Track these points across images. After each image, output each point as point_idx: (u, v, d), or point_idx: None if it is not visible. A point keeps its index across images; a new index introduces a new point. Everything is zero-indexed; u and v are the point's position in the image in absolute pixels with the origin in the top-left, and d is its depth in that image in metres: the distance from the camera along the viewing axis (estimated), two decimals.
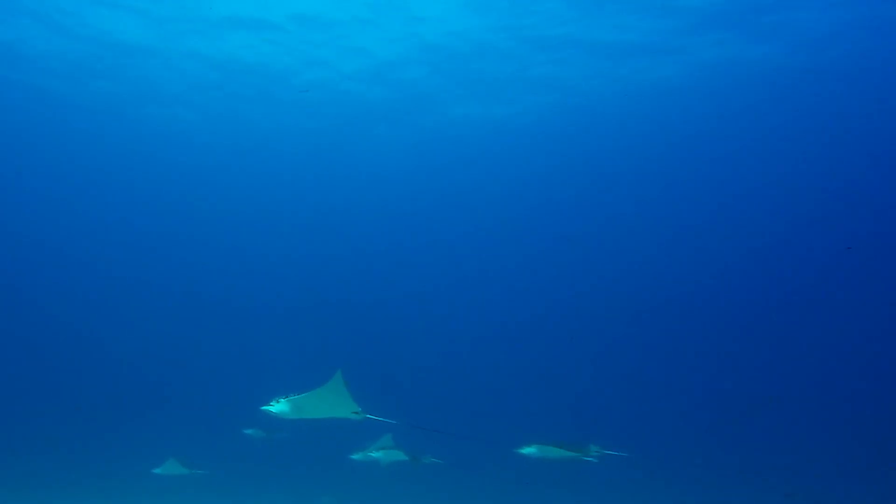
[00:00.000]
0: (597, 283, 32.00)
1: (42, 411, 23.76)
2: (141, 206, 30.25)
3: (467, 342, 31.39)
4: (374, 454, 11.47)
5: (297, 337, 29.62)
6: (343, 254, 32.22)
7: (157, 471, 15.61)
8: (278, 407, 6.91)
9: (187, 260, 32.13)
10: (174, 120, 24.95)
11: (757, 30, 18.85)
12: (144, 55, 20.67)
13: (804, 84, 21.41)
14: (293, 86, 22.60)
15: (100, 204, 30.31)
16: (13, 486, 17.11)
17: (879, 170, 25.74)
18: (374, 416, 7.78)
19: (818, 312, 29.92)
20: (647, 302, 31.61)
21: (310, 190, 30.12)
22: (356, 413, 7.55)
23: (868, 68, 20.65)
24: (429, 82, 22.26)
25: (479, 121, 24.61)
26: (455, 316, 32.43)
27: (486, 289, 32.74)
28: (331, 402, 7.05)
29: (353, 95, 23.48)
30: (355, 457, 11.74)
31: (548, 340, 31.34)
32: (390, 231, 31.84)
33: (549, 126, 24.69)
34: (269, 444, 15.12)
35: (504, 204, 30.22)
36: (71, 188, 29.78)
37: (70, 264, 31.32)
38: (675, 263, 31.03)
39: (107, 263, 31.39)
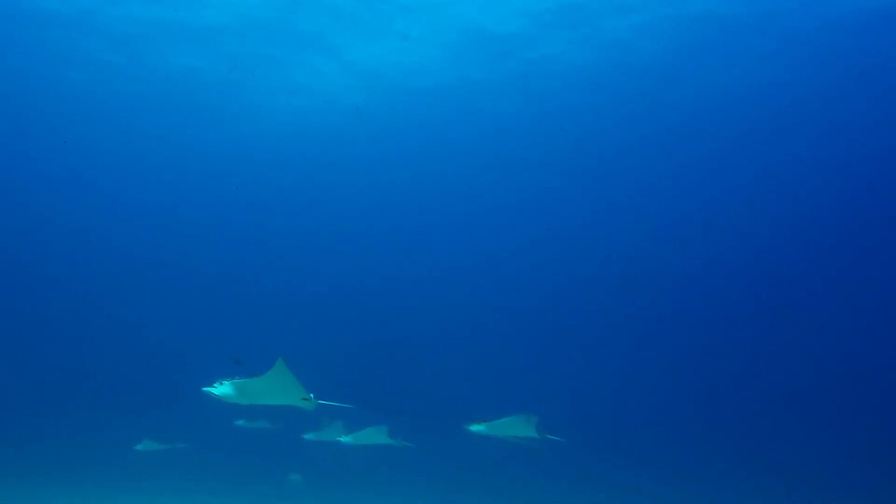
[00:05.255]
0: (582, 274, 31.93)
1: (21, 398, 23.97)
2: (138, 195, 30.23)
3: (443, 332, 31.48)
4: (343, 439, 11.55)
5: (283, 326, 29.77)
6: (336, 248, 32.20)
7: (138, 448, 15.93)
8: (221, 389, 6.83)
9: (174, 246, 32.13)
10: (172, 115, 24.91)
11: None
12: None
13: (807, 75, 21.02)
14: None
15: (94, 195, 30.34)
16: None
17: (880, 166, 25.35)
18: (326, 401, 7.71)
19: (805, 312, 29.84)
20: (624, 298, 31.57)
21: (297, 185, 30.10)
22: (306, 399, 7.46)
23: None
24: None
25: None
26: (434, 306, 32.49)
27: (468, 280, 32.78)
28: (275, 389, 6.98)
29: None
30: (308, 436, 11.95)
31: (529, 333, 31.42)
32: (378, 223, 31.77)
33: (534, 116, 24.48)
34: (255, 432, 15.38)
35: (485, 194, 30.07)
36: (64, 181, 29.78)
37: (50, 250, 31.41)
38: (659, 257, 30.85)
39: (88, 250, 31.48)
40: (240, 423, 15.28)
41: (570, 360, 29.87)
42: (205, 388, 6.77)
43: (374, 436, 11.47)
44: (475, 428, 9.50)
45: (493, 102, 23.66)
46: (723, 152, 26.09)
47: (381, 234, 31.79)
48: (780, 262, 29.80)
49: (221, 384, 6.82)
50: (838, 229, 28.41)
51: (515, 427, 9.65)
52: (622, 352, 30.71)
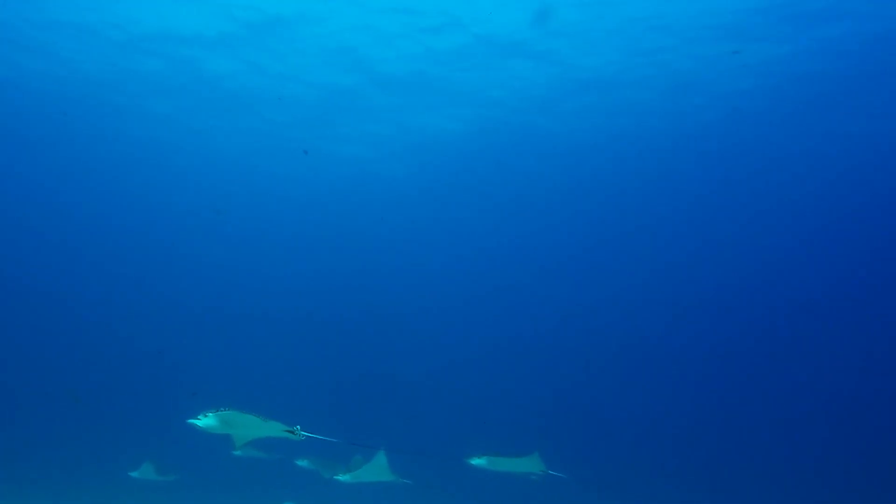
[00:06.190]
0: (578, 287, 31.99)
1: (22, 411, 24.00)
2: (137, 205, 30.55)
3: (436, 354, 31.43)
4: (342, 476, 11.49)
5: (289, 344, 29.76)
6: (340, 264, 32.34)
7: (133, 474, 15.82)
8: (205, 421, 6.90)
9: (177, 263, 32.40)
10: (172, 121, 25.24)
11: None
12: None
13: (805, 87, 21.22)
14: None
15: (97, 203, 30.66)
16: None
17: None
18: (311, 434, 7.74)
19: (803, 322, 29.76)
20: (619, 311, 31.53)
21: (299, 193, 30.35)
22: (291, 432, 7.50)
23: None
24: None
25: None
26: (427, 326, 32.52)
27: (457, 297, 32.85)
28: (261, 427, 7.08)
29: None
30: (301, 463, 11.89)
31: (524, 356, 31.32)
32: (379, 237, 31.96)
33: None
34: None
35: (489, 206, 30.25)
36: (67, 187, 30.12)
37: (57, 262, 31.69)
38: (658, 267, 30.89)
39: (93, 263, 31.75)
40: (237, 452, 15.24)
41: (564, 383, 29.69)
42: (189, 420, 6.87)
43: (372, 473, 11.38)
44: (476, 462, 9.59)
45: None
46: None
47: (375, 251, 32.05)
48: (782, 275, 29.82)
49: (206, 416, 6.91)
50: (842, 240, 28.56)
51: (518, 463, 9.59)
52: (619, 374, 30.56)
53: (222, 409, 7.02)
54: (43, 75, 21.82)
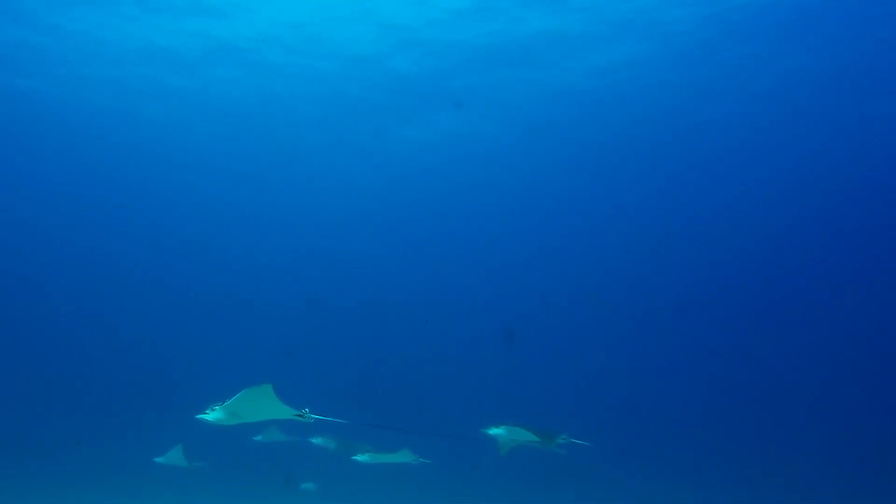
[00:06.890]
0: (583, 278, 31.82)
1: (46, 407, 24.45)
2: (138, 201, 30.68)
3: (448, 341, 31.45)
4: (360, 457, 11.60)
5: (302, 335, 30.08)
6: (346, 252, 32.39)
7: (158, 460, 16.05)
8: (213, 415, 7.00)
9: (194, 254, 32.57)
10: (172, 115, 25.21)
11: None
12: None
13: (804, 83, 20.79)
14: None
15: (97, 200, 30.82)
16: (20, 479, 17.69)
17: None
18: (320, 416, 7.84)
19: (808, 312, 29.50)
20: (632, 299, 31.37)
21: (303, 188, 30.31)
22: (300, 416, 7.61)
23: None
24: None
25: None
26: (438, 314, 32.52)
27: (468, 286, 32.77)
28: (264, 406, 7.14)
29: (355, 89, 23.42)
30: (316, 441, 12.09)
31: (535, 339, 31.32)
32: (378, 229, 31.93)
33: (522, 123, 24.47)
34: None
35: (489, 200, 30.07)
36: (68, 185, 30.26)
37: (75, 258, 31.96)
38: (662, 260, 30.69)
39: (111, 258, 31.98)
40: (258, 438, 15.45)
41: (571, 364, 29.77)
42: (198, 416, 7.01)
43: (391, 454, 11.47)
44: (494, 431, 9.60)
45: None
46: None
47: (383, 240, 32.02)
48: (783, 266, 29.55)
49: (213, 410, 7.02)
50: (839, 233, 28.17)
51: (539, 433, 9.62)
52: (624, 354, 30.58)
53: (229, 399, 7.10)
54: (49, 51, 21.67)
